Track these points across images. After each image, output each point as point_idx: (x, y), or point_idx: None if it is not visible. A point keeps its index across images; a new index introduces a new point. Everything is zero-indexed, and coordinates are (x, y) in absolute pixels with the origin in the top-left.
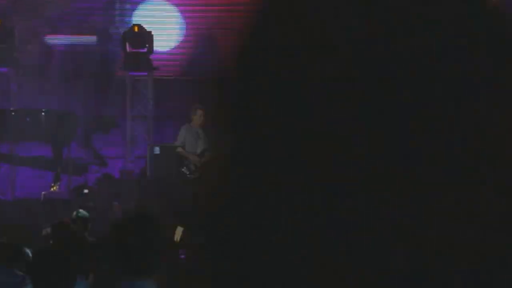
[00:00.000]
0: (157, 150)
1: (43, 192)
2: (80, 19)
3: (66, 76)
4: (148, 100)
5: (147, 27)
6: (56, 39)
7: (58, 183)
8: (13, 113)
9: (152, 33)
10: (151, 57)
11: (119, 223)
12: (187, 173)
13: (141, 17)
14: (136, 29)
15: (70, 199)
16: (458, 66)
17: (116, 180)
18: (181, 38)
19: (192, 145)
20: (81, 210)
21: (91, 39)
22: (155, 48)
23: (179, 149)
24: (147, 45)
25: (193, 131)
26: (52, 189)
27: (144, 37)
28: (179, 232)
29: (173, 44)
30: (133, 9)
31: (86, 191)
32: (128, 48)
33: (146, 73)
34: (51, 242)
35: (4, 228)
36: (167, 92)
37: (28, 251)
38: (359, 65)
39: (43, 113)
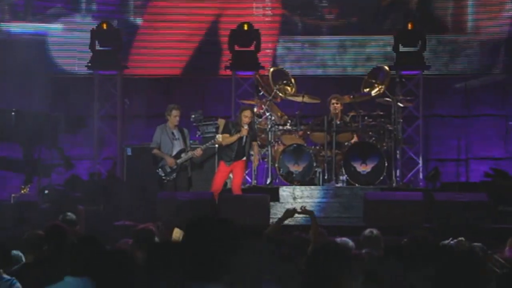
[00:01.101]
0: (129, 151)
1: (13, 195)
2: (45, 5)
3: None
4: (119, 99)
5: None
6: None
7: (29, 185)
8: None
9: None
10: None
11: (189, 226)
12: (162, 175)
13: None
14: (104, 26)
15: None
16: None
17: (84, 182)
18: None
19: (167, 146)
20: (68, 213)
21: (56, 27)
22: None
23: (155, 150)
24: (117, 43)
25: (169, 131)
26: (22, 191)
27: (113, 34)
28: (177, 233)
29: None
30: None
31: (46, 191)
32: (97, 46)
33: (115, 72)
34: (45, 247)
35: None
36: (135, 91)
37: (21, 254)
38: None
39: (13, 113)
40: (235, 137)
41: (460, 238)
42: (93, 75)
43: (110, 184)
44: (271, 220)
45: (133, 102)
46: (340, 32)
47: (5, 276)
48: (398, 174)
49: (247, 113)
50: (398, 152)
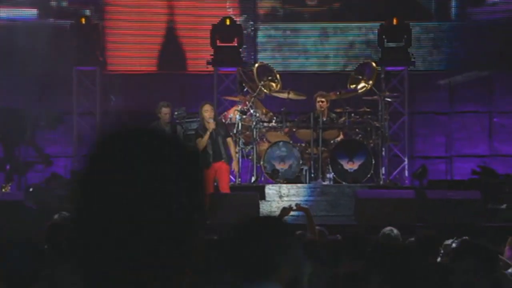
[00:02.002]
0: None
1: None
2: None
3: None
4: (98, 96)
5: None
6: None
7: (10, 184)
8: None
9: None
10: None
11: (241, 225)
12: None
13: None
14: (83, 20)
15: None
16: None
17: (66, 180)
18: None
19: None
20: (63, 212)
21: (31, 12)
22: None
23: None
24: (97, 39)
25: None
26: (3, 189)
27: (94, 30)
28: None
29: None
30: None
31: (31, 189)
32: (77, 42)
33: (94, 68)
34: (45, 246)
35: None
36: (115, 87)
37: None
38: None
39: None
40: (206, 136)
41: (464, 238)
42: (72, 71)
43: None
44: None
45: (111, 98)
46: (322, 18)
47: None
48: (384, 171)
49: (206, 107)
50: (384, 149)
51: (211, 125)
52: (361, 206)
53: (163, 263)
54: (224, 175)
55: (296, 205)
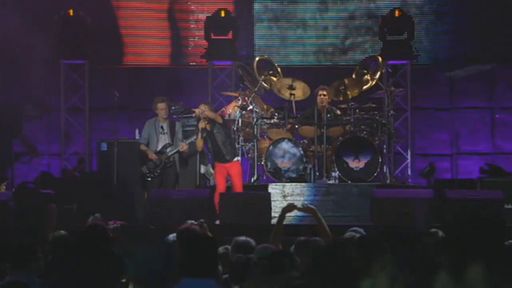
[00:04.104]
0: (104, 146)
1: None
2: None
3: None
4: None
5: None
6: None
7: (5, 183)
8: None
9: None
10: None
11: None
12: (146, 171)
13: None
14: (71, 12)
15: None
16: None
17: (56, 179)
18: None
19: (153, 141)
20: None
21: None
22: None
23: (142, 146)
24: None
25: (157, 125)
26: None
27: (79, 23)
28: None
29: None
30: None
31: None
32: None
33: (83, 61)
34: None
35: None
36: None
37: None
38: None
39: None
40: (198, 136)
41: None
42: (59, 64)
43: (84, 182)
44: (273, 219)
45: (100, 93)
46: None
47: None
48: (387, 170)
49: (200, 107)
50: (389, 147)
51: (201, 124)
52: (377, 206)
53: None
54: (236, 179)
55: (303, 205)
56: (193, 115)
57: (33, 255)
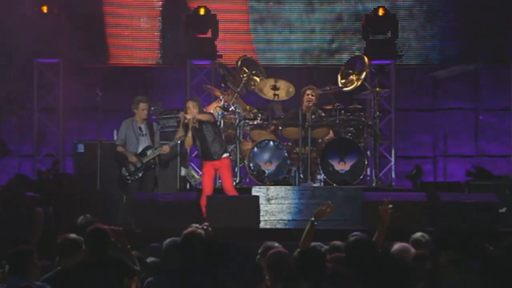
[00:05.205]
0: (81, 147)
1: None
2: None
3: None
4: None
5: None
6: None
7: None
8: None
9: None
10: None
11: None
12: (126, 174)
13: None
14: (45, 9)
15: None
16: None
17: (32, 181)
18: None
19: (132, 143)
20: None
21: None
22: None
23: (119, 148)
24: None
25: (135, 126)
26: None
27: (53, 20)
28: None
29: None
30: None
31: None
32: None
33: (57, 60)
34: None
35: None
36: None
37: None
38: None
39: None
40: (189, 134)
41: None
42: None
43: (62, 184)
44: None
45: (74, 93)
46: None
47: (37, 282)
48: (370, 172)
49: (187, 104)
50: (374, 148)
51: (190, 122)
52: (368, 209)
53: None
54: (226, 174)
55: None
56: (185, 121)
57: (30, 260)
